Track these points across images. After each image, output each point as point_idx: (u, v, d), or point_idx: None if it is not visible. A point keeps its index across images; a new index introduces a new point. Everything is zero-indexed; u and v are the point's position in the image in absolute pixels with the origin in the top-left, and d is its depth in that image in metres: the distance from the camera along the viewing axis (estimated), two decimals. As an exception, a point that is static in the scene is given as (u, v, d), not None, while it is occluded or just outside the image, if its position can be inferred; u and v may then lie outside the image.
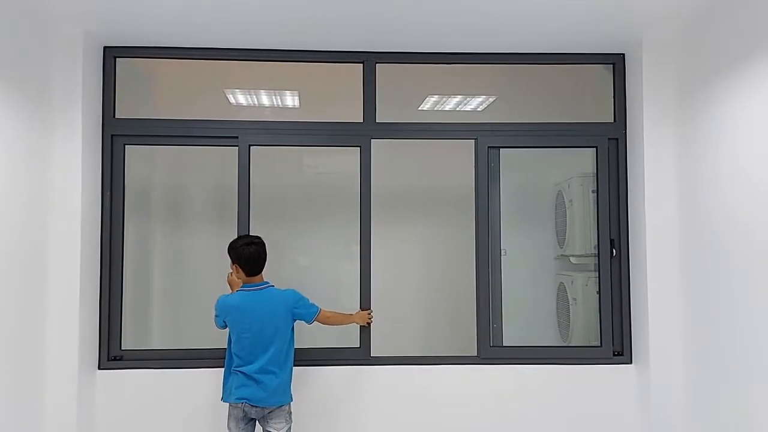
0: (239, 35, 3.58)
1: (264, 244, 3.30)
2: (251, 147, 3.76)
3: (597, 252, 3.89)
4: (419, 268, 4.70)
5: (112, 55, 3.74)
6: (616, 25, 3.47)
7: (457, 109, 4.46)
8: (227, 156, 3.82)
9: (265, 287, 3.27)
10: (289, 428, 3.24)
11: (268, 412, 3.18)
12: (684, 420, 3.48)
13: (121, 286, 3.73)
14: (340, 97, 4.13)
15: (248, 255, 3.21)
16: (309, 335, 4.40)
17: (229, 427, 3.23)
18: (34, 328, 3.26)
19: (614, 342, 3.82)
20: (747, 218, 2.89)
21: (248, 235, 3.41)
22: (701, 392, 3.33)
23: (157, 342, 4.39)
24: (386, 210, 4.09)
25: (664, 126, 3.58)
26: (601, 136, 3.87)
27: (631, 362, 3.76)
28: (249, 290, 3.25)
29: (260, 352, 3.16)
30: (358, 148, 3.81)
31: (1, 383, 2.99)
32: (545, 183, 4.59)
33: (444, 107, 4.45)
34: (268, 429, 3.19)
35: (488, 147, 3.86)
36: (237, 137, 3.75)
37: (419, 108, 4.38)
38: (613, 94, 3.90)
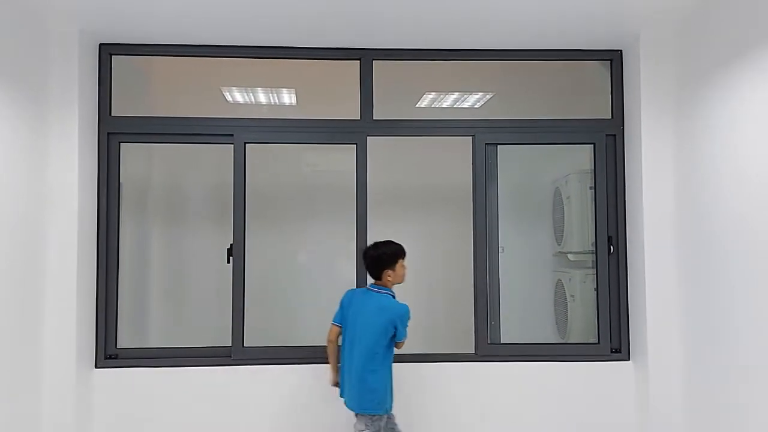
0: (236, 32, 3.57)
1: (382, 248, 3.27)
2: (247, 145, 3.75)
3: (595, 249, 3.88)
4: (417, 266, 4.69)
5: (108, 52, 3.73)
6: (613, 21, 3.46)
7: (455, 106, 4.45)
8: (225, 154, 3.81)
9: (382, 293, 3.25)
10: None
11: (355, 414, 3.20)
12: (682, 416, 3.48)
13: (117, 285, 3.72)
14: (337, 95, 4.12)
15: (364, 259, 3.34)
16: (308, 334, 4.41)
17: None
18: (30, 326, 3.26)
19: (612, 339, 3.82)
20: (745, 214, 2.89)
21: (385, 241, 3.36)
22: (699, 389, 3.33)
23: (154, 340, 4.39)
24: (384, 207, 4.07)
25: (662, 122, 3.57)
26: (599, 133, 3.86)
27: (628, 359, 3.76)
28: (370, 290, 3.29)
29: (355, 353, 3.17)
30: (355, 145, 3.80)
31: (-3, 382, 2.98)
32: (543, 180, 4.59)
33: (441, 104, 4.44)
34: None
35: (485, 144, 3.85)
36: (232, 135, 3.74)
37: (416, 105, 4.38)
38: (610, 91, 3.89)
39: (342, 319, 3.29)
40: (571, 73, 4.14)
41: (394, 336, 3.17)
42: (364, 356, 3.13)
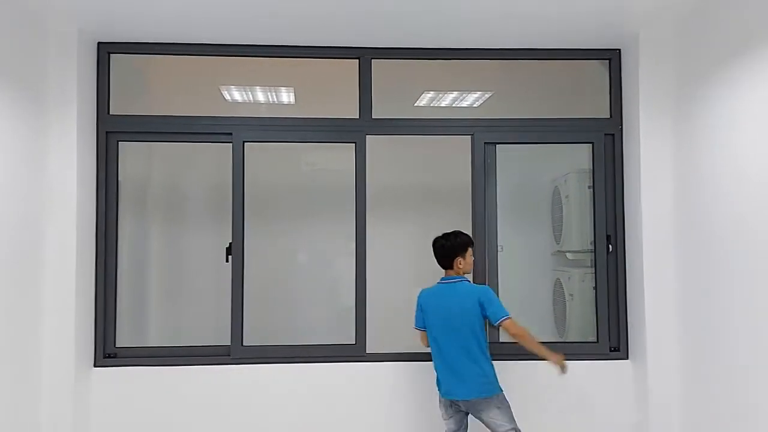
0: (234, 31, 3.57)
1: (452, 238, 3.34)
2: (246, 143, 3.75)
3: (593, 248, 3.88)
4: (416, 265, 4.69)
5: (106, 51, 3.72)
6: (612, 21, 3.46)
7: (453, 105, 4.45)
8: (224, 153, 3.80)
9: (458, 281, 3.31)
10: (510, 416, 3.20)
11: (472, 404, 3.21)
12: (680, 415, 3.48)
13: (116, 284, 3.72)
14: (335, 94, 4.12)
15: (435, 249, 3.37)
16: (307, 333, 4.41)
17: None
18: (29, 325, 3.25)
19: (611, 338, 3.82)
20: (743, 213, 2.89)
21: (454, 231, 3.41)
22: (697, 387, 3.33)
23: (154, 339, 4.39)
24: (383, 206, 4.08)
25: (661, 121, 3.57)
26: (597, 132, 3.86)
27: (627, 358, 3.76)
28: (445, 282, 3.34)
29: (456, 346, 3.20)
30: (354, 144, 3.80)
31: (-4, 380, 2.98)
32: (542, 179, 4.59)
33: (440, 103, 4.44)
34: (484, 420, 3.21)
35: (484, 143, 3.84)
36: (231, 134, 3.73)
37: (415, 104, 4.38)
38: (609, 90, 3.89)
39: (425, 321, 3.34)
40: (569, 72, 4.13)
41: (485, 318, 3.23)
42: (467, 345, 3.20)
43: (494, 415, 3.17)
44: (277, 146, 4.17)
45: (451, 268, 3.34)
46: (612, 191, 3.84)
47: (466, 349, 3.19)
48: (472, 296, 3.25)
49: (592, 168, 3.89)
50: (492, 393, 3.20)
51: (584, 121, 3.90)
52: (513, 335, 3.21)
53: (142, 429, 3.59)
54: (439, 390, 3.32)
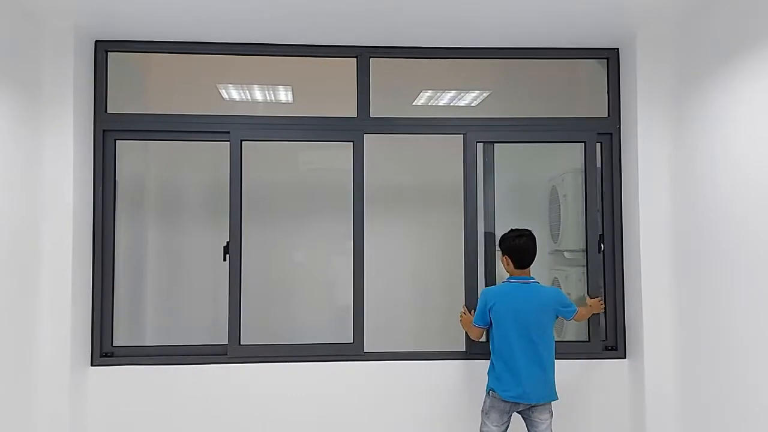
0: (232, 29, 3.56)
1: (534, 237, 3.36)
2: (243, 142, 3.74)
3: (585, 247, 3.88)
4: (413, 264, 4.70)
5: (103, 49, 3.71)
6: (610, 20, 3.46)
7: (451, 104, 4.45)
8: (221, 151, 3.79)
9: (532, 282, 3.31)
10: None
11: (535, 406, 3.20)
12: (677, 414, 3.49)
13: (113, 282, 3.71)
14: (333, 92, 4.12)
15: (519, 246, 3.30)
16: (305, 332, 4.41)
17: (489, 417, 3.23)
18: (25, 324, 3.24)
19: (607, 337, 3.83)
20: (741, 212, 2.89)
21: (519, 228, 3.40)
22: (694, 386, 3.34)
23: (151, 338, 4.38)
24: (381, 205, 4.07)
25: (658, 120, 3.58)
26: (590, 132, 3.85)
27: (624, 357, 3.77)
28: (516, 282, 3.30)
29: (533, 347, 3.18)
30: (351, 143, 3.79)
31: (-8, 380, 2.97)
32: (539, 178, 4.59)
33: (438, 102, 4.44)
34: (534, 419, 3.20)
35: (476, 142, 3.83)
36: (228, 132, 3.73)
37: (413, 103, 4.38)
38: (607, 89, 3.90)
39: (489, 319, 3.29)
40: (568, 71, 4.14)
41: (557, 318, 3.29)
42: (544, 346, 3.19)
43: (545, 416, 3.19)
44: (274, 146, 4.16)
45: (527, 267, 3.32)
46: (609, 190, 3.84)
47: (544, 351, 3.19)
48: (549, 297, 3.28)
49: (583, 168, 3.87)
50: (556, 397, 3.24)
51: (582, 120, 3.90)
52: (577, 319, 3.46)
53: (139, 428, 3.58)
54: (502, 394, 3.17)
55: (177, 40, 3.71)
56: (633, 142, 3.65)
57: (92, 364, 3.61)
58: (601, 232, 3.84)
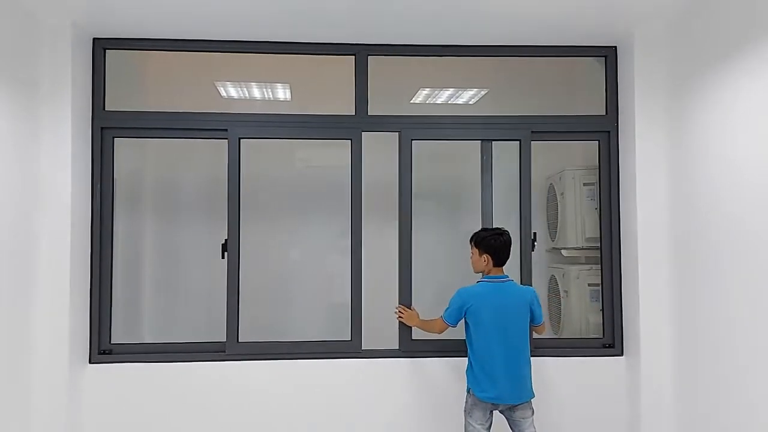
0: (230, 27, 3.56)
1: (510, 235, 3.35)
2: (241, 140, 3.74)
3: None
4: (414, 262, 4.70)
5: (101, 46, 3.71)
6: (607, 18, 3.46)
7: (449, 102, 4.45)
8: (219, 149, 3.80)
9: (507, 280, 3.29)
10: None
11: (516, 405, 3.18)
12: (673, 411, 3.50)
13: (111, 280, 3.71)
14: (331, 90, 4.11)
15: (499, 245, 3.27)
16: (302, 330, 4.41)
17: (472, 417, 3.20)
18: (23, 321, 3.24)
19: (605, 334, 3.84)
20: (738, 210, 2.90)
21: (494, 227, 3.40)
22: (691, 384, 3.35)
23: (149, 336, 4.38)
24: (377, 203, 4.07)
25: (656, 118, 3.59)
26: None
27: (622, 354, 3.78)
28: (494, 281, 3.26)
29: (511, 346, 3.15)
30: (349, 141, 3.79)
31: (-10, 377, 2.98)
32: (537, 176, 4.58)
33: (436, 100, 4.44)
34: (516, 419, 3.18)
35: (481, 140, 3.84)
36: (226, 130, 3.73)
37: (411, 101, 4.38)
38: (605, 87, 3.90)
39: (462, 319, 3.26)
40: (567, 69, 4.14)
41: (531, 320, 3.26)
42: (522, 346, 3.17)
43: (527, 414, 3.17)
44: (271, 143, 4.16)
45: (503, 264, 3.30)
46: (607, 188, 3.85)
47: (524, 350, 3.18)
48: (526, 296, 3.24)
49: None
50: (533, 394, 3.22)
51: (580, 118, 3.90)
52: (540, 333, 3.40)
53: (138, 425, 3.59)
54: (479, 395, 3.15)
55: (175, 38, 3.71)
56: (631, 139, 3.66)
57: (90, 362, 3.62)
58: (535, 231, 3.82)
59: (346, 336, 3.76)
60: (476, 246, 3.33)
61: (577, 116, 3.91)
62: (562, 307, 4.26)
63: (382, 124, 3.84)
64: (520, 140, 3.82)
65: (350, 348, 3.73)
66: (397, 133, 3.83)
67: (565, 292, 4.23)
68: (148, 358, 3.64)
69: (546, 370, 3.73)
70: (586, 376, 3.75)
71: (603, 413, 3.72)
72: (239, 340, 3.70)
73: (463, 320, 3.27)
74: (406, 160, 3.81)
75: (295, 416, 3.66)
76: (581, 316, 4.15)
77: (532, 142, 4.03)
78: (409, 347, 3.73)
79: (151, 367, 3.62)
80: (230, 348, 3.68)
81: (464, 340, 3.31)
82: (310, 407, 3.66)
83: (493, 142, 3.89)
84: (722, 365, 3.04)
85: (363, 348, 3.74)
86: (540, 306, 3.30)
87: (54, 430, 3.36)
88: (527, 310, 3.22)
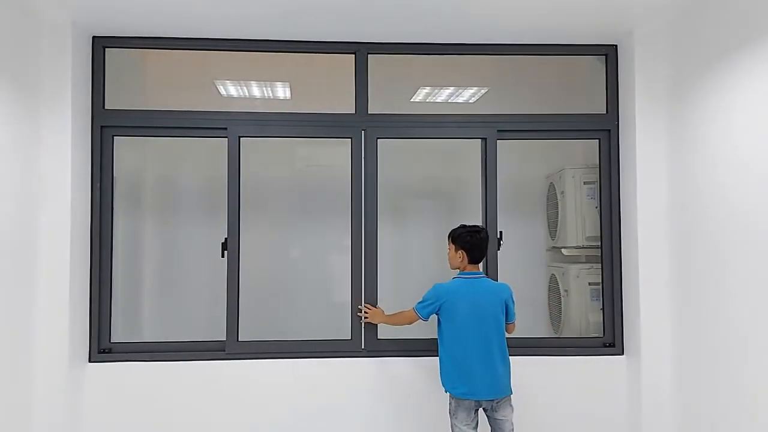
0: (230, 25, 3.55)
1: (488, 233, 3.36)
2: (241, 138, 3.74)
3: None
4: (410, 262, 4.70)
5: (101, 45, 3.70)
6: (608, 16, 3.46)
7: (449, 100, 4.45)
8: (219, 148, 3.79)
9: (482, 277, 3.29)
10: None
11: (496, 402, 3.16)
12: (674, 410, 3.50)
13: (110, 279, 3.71)
14: (331, 89, 4.11)
15: (477, 242, 3.25)
16: (302, 329, 4.41)
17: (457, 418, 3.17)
18: (23, 320, 3.24)
19: (605, 333, 3.83)
20: (739, 209, 2.90)
21: (471, 225, 3.36)
22: (691, 383, 3.35)
23: (149, 335, 4.38)
24: (380, 203, 4.07)
25: (656, 117, 3.58)
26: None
27: (622, 353, 3.78)
28: (469, 278, 3.25)
29: (487, 342, 3.14)
30: (350, 139, 3.79)
31: (-10, 376, 2.97)
32: (537, 175, 4.59)
33: (436, 99, 4.44)
34: (498, 418, 3.16)
35: (482, 139, 3.84)
36: (226, 128, 3.72)
37: (411, 100, 4.37)
38: (605, 86, 3.89)
39: (435, 314, 3.26)
40: (566, 68, 4.13)
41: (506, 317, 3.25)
42: (498, 341, 3.16)
43: (507, 413, 3.16)
44: (271, 142, 4.16)
45: (479, 262, 3.29)
46: (608, 187, 3.84)
47: (499, 346, 3.17)
48: (501, 293, 3.23)
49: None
50: (510, 390, 3.21)
51: (580, 116, 3.89)
52: (509, 332, 3.33)
53: (137, 424, 3.59)
54: (460, 394, 3.13)
55: (175, 36, 3.70)
56: (631, 138, 3.66)
57: (90, 360, 3.62)
58: (501, 230, 3.81)
59: (347, 335, 3.75)
60: (453, 242, 3.31)
61: (577, 114, 3.90)
62: (562, 306, 4.26)
63: (383, 123, 3.81)
64: (486, 138, 3.81)
65: (351, 347, 3.73)
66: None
67: (566, 291, 4.22)
68: (147, 357, 3.63)
69: (546, 370, 3.73)
70: (586, 375, 3.74)
71: (603, 412, 3.72)
72: (239, 339, 3.70)
73: (435, 316, 3.27)
74: (372, 157, 3.78)
75: (294, 414, 3.65)
76: (581, 315, 4.15)
77: (531, 141, 4.04)
78: (375, 347, 3.73)
79: (151, 366, 3.62)
80: (230, 347, 3.68)
81: (434, 339, 3.30)
82: (310, 405, 3.66)
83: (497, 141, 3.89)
84: (723, 364, 3.04)
85: (363, 347, 3.74)
86: (514, 304, 3.27)
87: (54, 429, 3.36)
88: (503, 308, 3.21)
